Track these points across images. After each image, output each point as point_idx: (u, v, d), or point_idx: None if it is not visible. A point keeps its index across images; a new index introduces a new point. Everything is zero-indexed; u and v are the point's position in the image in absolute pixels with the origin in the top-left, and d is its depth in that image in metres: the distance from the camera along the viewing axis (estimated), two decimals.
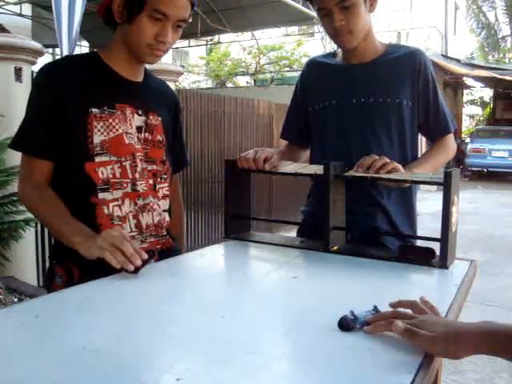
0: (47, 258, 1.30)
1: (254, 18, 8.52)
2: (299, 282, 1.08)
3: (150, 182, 1.27)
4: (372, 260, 1.23)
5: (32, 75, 3.48)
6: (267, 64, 15.02)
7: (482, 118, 19.95)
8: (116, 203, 1.20)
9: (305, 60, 12.11)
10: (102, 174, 1.19)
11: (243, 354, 0.72)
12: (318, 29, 9.83)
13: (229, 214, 1.44)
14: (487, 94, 18.90)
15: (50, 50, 9.90)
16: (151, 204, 1.26)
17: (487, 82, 13.96)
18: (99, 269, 1.10)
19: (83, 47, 11.15)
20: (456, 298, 0.96)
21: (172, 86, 4.33)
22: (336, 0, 1.32)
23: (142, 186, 1.24)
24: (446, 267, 1.15)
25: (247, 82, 15.34)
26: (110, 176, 1.20)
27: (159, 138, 1.30)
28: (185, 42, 10.71)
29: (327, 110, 1.50)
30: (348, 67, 1.50)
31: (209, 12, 7.54)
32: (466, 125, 19.24)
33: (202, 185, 5.10)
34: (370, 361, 0.70)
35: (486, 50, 19.15)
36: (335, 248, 1.30)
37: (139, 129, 1.26)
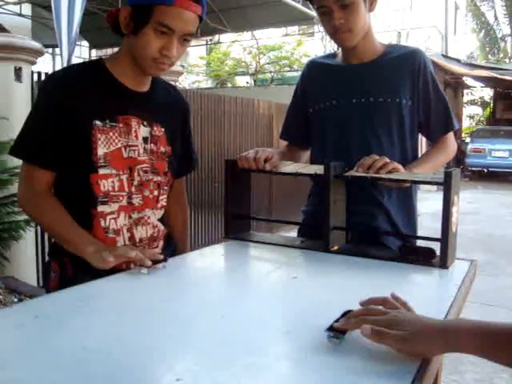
0: (47, 257, 1.31)
1: (253, 18, 8.52)
2: (299, 282, 1.08)
3: (155, 193, 1.28)
4: (372, 260, 1.23)
5: (32, 75, 3.48)
6: (267, 64, 15.02)
7: (482, 118, 19.93)
8: (112, 216, 1.21)
9: (305, 60, 12.12)
10: (104, 186, 1.19)
11: (243, 354, 0.72)
12: (318, 29, 9.83)
13: (229, 214, 1.44)
14: (487, 93, 18.88)
15: (50, 50, 9.90)
16: (146, 218, 1.27)
17: (487, 81, 13.95)
18: (91, 267, 1.11)
19: (83, 47, 11.16)
20: (456, 298, 0.96)
21: None
22: None
23: (137, 200, 1.24)
24: (446, 267, 1.15)
25: (247, 82, 15.33)
26: (110, 189, 1.20)
27: (162, 149, 1.30)
28: None
29: (327, 110, 1.50)
30: (348, 67, 1.49)
31: (209, 12, 7.51)
32: (466, 125, 19.22)
33: (201, 185, 5.10)
34: (369, 362, 0.70)
35: (487, 49, 19.13)
36: (335, 248, 1.30)
37: (145, 139, 1.26)
